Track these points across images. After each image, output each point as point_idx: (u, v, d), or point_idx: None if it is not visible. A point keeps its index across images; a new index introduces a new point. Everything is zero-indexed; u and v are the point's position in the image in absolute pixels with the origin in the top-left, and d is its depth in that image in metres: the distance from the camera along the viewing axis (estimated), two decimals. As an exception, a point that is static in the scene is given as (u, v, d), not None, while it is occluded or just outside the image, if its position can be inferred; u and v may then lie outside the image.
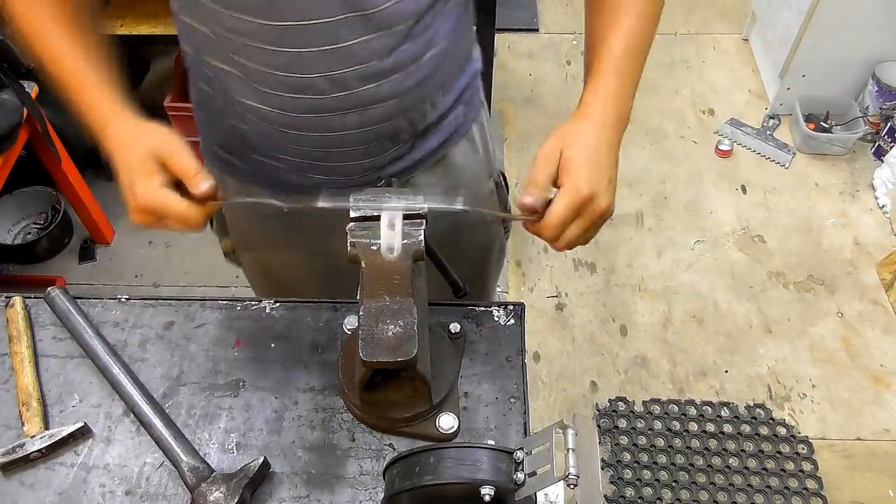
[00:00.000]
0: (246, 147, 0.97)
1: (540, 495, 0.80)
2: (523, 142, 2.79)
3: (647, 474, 1.93)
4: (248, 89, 0.86)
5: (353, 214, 0.85)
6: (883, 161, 2.59)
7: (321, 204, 0.77)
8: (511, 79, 2.99)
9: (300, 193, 0.99)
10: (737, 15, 3.19)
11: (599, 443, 1.96)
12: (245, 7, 0.78)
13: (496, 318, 1.01)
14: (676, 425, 2.01)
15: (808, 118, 2.68)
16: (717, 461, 1.95)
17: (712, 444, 1.98)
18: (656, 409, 2.05)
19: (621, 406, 2.07)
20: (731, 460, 1.95)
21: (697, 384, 2.13)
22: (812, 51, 2.57)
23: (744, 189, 2.63)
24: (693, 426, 2.02)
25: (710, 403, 2.07)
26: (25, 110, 1.90)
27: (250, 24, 0.79)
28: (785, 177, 2.66)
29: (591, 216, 0.77)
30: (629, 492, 1.89)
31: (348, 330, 0.96)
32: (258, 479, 0.84)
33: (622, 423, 2.03)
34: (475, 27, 1.00)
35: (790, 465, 1.94)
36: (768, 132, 2.76)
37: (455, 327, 0.96)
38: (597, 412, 2.06)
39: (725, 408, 2.05)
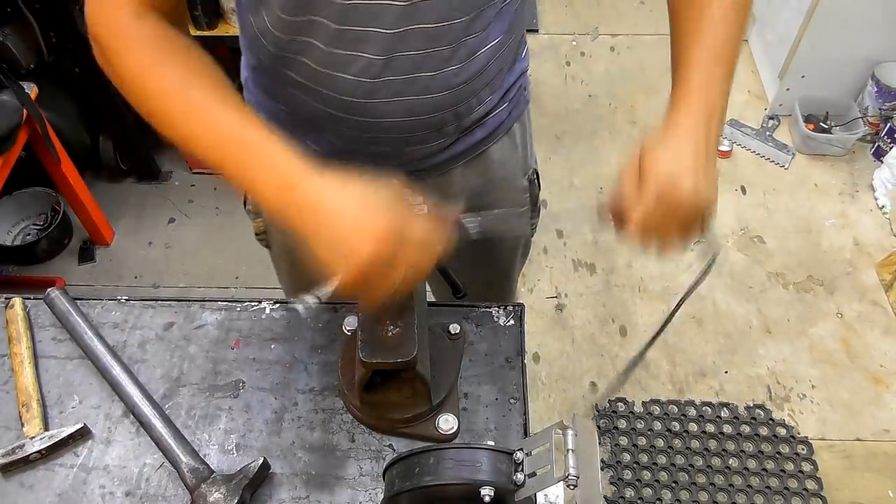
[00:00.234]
0: (292, 130, 0.95)
1: (540, 496, 0.80)
2: (523, 142, 2.79)
3: (646, 475, 1.93)
4: (305, 70, 0.85)
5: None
6: (882, 162, 2.59)
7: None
8: (510, 79, 2.99)
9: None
10: (736, 16, 3.19)
11: (599, 443, 1.96)
12: None
13: (496, 319, 1.01)
14: (676, 426, 2.01)
15: (808, 119, 2.68)
16: (716, 462, 1.95)
17: (712, 444, 1.98)
18: (656, 409, 2.05)
19: (621, 407, 2.06)
20: (730, 461, 1.95)
21: (697, 385, 2.13)
22: (811, 51, 2.57)
23: (743, 190, 2.63)
24: (693, 427, 2.02)
25: (709, 404, 2.07)
26: (25, 111, 1.89)
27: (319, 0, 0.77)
28: (784, 177, 2.66)
29: (676, 202, 0.73)
30: (629, 492, 1.89)
31: (348, 331, 0.96)
32: (258, 480, 0.84)
33: (622, 424, 2.02)
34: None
35: (790, 466, 1.94)
36: (768, 133, 2.76)
37: (455, 328, 0.96)
38: (596, 413, 2.06)
39: (725, 408, 2.05)
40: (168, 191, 2.61)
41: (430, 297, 0.95)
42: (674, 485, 1.90)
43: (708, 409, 2.06)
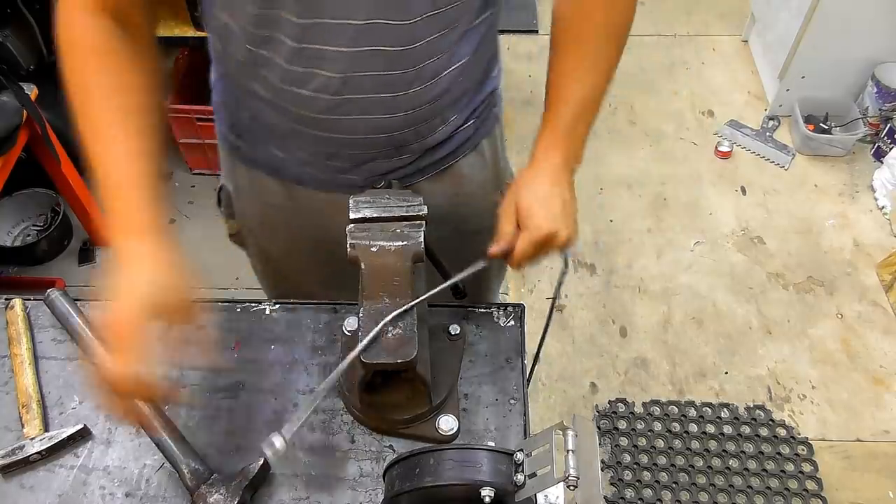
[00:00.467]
0: (257, 137, 0.98)
1: (540, 497, 0.80)
2: (523, 143, 2.78)
3: (647, 475, 1.93)
4: (266, 83, 0.86)
5: (352, 216, 0.85)
6: (882, 162, 2.59)
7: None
8: (510, 80, 2.99)
9: (304, 186, 1.00)
10: (736, 16, 3.19)
11: (599, 444, 1.96)
12: (278, 1, 0.78)
13: (496, 320, 1.01)
14: (676, 426, 2.01)
15: (808, 119, 2.68)
16: (716, 462, 1.95)
17: (712, 445, 1.98)
18: (656, 410, 2.05)
19: (621, 407, 2.06)
20: (730, 461, 1.95)
21: (697, 385, 2.13)
22: (811, 52, 2.57)
23: (743, 190, 2.63)
24: (693, 427, 2.02)
25: (709, 405, 2.07)
26: (25, 112, 1.89)
27: (280, 17, 0.79)
28: (784, 178, 2.66)
29: (551, 248, 0.87)
30: (629, 493, 1.89)
31: (348, 331, 0.96)
32: (258, 481, 0.84)
33: (622, 425, 2.02)
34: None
35: (790, 467, 1.94)
36: (768, 133, 2.77)
37: (455, 329, 0.96)
38: (597, 413, 2.06)
39: (725, 409, 2.05)
40: (168, 191, 2.61)
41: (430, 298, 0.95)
42: (674, 485, 1.90)
43: (708, 409, 2.06)
